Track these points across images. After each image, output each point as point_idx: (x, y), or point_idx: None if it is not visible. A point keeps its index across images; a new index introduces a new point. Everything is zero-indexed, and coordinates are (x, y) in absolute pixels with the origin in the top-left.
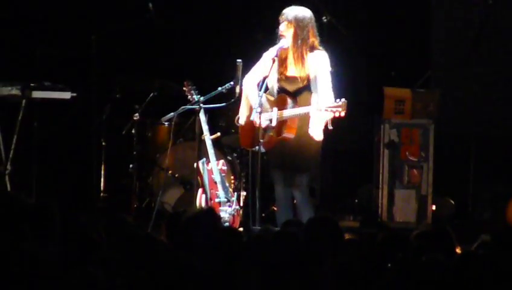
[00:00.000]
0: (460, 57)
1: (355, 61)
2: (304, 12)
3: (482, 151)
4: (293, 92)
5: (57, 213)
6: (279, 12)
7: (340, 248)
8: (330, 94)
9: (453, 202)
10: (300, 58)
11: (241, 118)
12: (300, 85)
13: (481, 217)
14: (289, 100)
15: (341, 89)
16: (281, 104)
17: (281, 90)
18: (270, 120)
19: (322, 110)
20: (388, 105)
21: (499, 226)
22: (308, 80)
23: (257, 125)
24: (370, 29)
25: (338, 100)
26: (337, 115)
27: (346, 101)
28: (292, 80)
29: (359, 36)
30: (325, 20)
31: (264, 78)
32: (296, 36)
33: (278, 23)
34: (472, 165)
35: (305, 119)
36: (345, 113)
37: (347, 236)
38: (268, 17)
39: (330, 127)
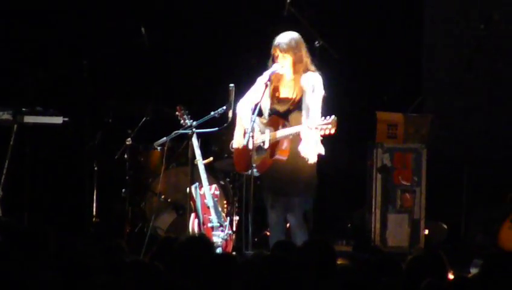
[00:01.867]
0: (452, 82)
1: (347, 86)
2: (294, 37)
3: (474, 176)
4: (284, 112)
5: (52, 238)
6: (271, 36)
7: (334, 273)
8: (318, 114)
9: (445, 226)
10: (296, 80)
11: (235, 143)
12: (292, 106)
13: (473, 241)
14: (281, 121)
15: (334, 112)
16: (273, 126)
17: (273, 112)
18: (263, 142)
19: (312, 128)
20: (381, 129)
21: (492, 250)
22: (300, 101)
23: (250, 149)
24: (362, 54)
25: (328, 117)
26: (327, 132)
27: (335, 117)
28: (284, 101)
29: (351, 61)
30: (317, 45)
31: (258, 102)
32: (294, 64)
33: (271, 54)
34: (464, 189)
35: (297, 141)
36: (335, 130)
37: (340, 261)
38: (261, 42)
39: (322, 153)
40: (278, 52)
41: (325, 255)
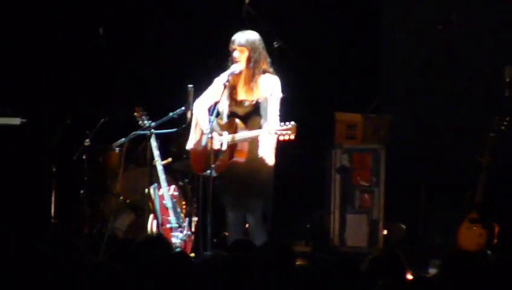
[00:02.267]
0: (411, 82)
1: (306, 87)
2: (253, 35)
3: (433, 176)
4: (243, 115)
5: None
6: (230, 37)
7: (292, 273)
8: (277, 118)
9: (404, 226)
10: (253, 82)
11: (191, 143)
12: (251, 109)
13: (432, 242)
14: (239, 124)
15: (292, 114)
16: (231, 128)
17: (232, 115)
18: (221, 144)
19: (272, 133)
20: (339, 130)
21: (450, 250)
22: (258, 103)
23: (208, 150)
24: (321, 55)
25: (288, 123)
26: (286, 138)
27: (295, 124)
28: (242, 103)
29: (310, 61)
30: (276, 45)
31: (215, 104)
32: (249, 59)
33: (229, 51)
34: (423, 190)
35: (256, 143)
36: (295, 136)
37: (299, 261)
38: (219, 43)
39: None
40: (235, 46)
41: (283, 256)
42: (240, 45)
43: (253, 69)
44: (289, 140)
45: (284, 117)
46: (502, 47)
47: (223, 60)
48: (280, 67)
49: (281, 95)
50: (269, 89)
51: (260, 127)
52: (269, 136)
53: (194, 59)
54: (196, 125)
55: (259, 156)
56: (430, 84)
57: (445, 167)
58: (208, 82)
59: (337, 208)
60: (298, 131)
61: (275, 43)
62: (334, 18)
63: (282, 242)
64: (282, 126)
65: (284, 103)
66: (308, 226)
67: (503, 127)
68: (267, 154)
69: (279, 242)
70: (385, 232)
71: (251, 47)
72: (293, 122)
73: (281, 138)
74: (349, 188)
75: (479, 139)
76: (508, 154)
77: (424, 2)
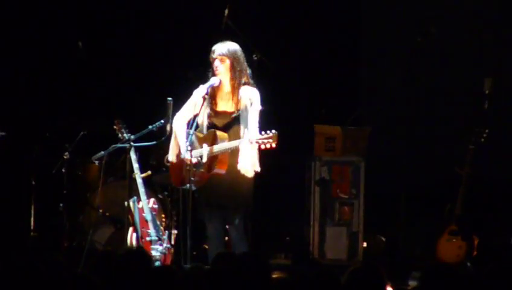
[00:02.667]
0: (391, 94)
1: (285, 99)
2: (234, 45)
3: (412, 189)
4: (222, 126)
5: None
6: (209, 49)
7: (267, 286)
8: (257, 129)
9: (383, 239)
10: (234, 92)
11: (171, 156)
12: (230, 120)
13: (412, 254)
14: (220, 135)
15: (272, 125)
16: (211, 140)
17: (211, 126)
18: (201, 156)
19: (253, 142)
20: (318, 142)
21: (430, 262)
22: (238, 114)
23: (187, 163)
24: (300, 67)
25: (268, 131)
26: (268, 146)
27: (276, 132)
28: (222, 115)
29: (289, 74)
30: (255, 58)
31: (195, 116)
32: (232, 68)
33: (209, 62)
34: (402, 202)
35: (236, 154)
36: (276, 144)
37: (277, 274)
38: (198, 55)
39: (258, 169)
40: (215, 56)
41: (259, 268)
42: (221, 55)
43: (234, 79)
44: (271, 148)
45: (264, 129)
46: (482, 59)
47: (202, 72)
48: (259, 79)
49: (260, 107)
50: (248, 100)
51: (240, 138)
52: (250, 147)
53: (173, 72)
54: (174, 139)
55: (239, 168)
56: (409, 96)
57: (425, 179)
58: (187, 95)
59: (317, 220)
60: (279, 141)
61: (254, 55)
62: (313, 30)
63: (258, 254)
64: (263, 135)
65: (264, 116)
66: (287, 238)
67: (482, 139)
68: (247, 166)
69: (255, 254)
70: (365, 244)
71: (232, 57)
72: (274, 131)
73: (262, 146)
74: (329, 201)
75: (459, 151)
76: (487, 166)
77: (404, 14)
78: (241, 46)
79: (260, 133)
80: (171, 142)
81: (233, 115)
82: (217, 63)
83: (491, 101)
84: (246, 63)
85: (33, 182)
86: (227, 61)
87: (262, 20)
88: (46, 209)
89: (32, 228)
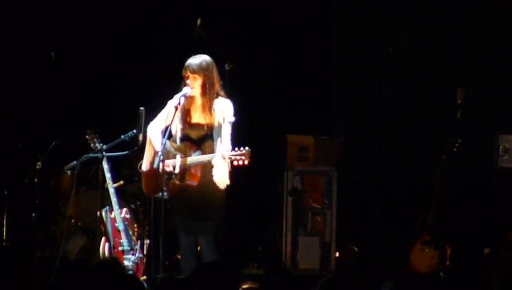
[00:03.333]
0: (363, 104)
1: (257, 109)
2: (205, 59)
3: (385, 199)
4: (196, 139)
5: None
6: (181, 59)
7: None
8: (229, 142)
9: (356, 249)
10: (208, 106)
11: (144, 165)
12: (204, 132)
13: (384, 264)
14: (193, 147)
15: (244, 136)
16: (184, 151)
17: (185, 138)
18: (174, 167)
19: (226, 158)
20: (291, 152)
21: (402, 272)
22: (212, 127)
23: (160, 172)
24: (272, 76)
25: (242, 148)
26: (240, 163)
27: (250, 149)
28: (196, 127)
29: (262, 83)
30: (227, 68)
31: (168, 126)
32: (204, 86)
33: (182, 77)
34: (375, 212)
35: (208, 167)
36: (249, 161)
37: (250, 284)
38: (170, 64)
39: (228, 182)
40: (188, 73)
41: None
42: (193, 72)
43: (207, 95)
44: (243, 165)
45: (237, 140)
46: (454, 68)
47: (175, 82)
48: (231, 89)
49: (233, 119)
50: (222, 112)
51: (213, 151)
52: (223, 161)
53: (145, 81)
54: (149, 146)
55: (212, 179)
56: (381, 106)
57: (397, 189)
58: (159, 105)
59: (289, 230)
60: (252, 156)
61: (226, 65)
62: (285, 40)
63: (228, 262)
64: (236, 151)
65: (236, 126)
66: (260, 248)
67: (455, 149)
68: (222, 179)
69: (224, 262)
70: (337, 254)
71: (204, 73)
72: (247, 148)
73: (235, 163)
74: (302, 210)
75: (431, 161)
76: (459, 176)
77: (376, 23)
78: (213, 55)
79: (233, 148)
80: (146, 150)
81: (207, 128)
82: (189, 80)
83: (463, 111)
84: (218, 75)
85: (5, 192)
86: (199, 79)
87: (234, 30)
88: (19, 220)
89: (4, 238)
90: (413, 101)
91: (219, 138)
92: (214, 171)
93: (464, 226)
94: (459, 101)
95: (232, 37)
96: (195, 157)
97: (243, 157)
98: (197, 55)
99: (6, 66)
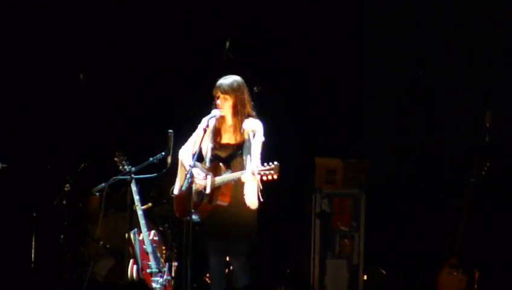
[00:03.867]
0: (391, 127)
1: (286, 132)
2: (236, 80)
3: (412, 220)
4: (225, 158)
5: None
6: (211, 81)
7: None
8: (259, 160)
9: (384, 271)
10: (239, 127)
11: (176, 188)
12: (233, 151)
13: (412, 287)
14: (223, 167)
15: (273, 158)
16: (214, 172)
17: (215, 158)
18: (204, 188)
19: (255, 173)
20: (319, 175)
21: None
22: (242, 146)
23: (189, 194)
24: (301, 100)
25: (271, 163)
26: (270, 177)
27: (278, 164)
28: (226, 147)
29: (291, 106)
30: (256, 91)
31: (197, 148)
32: (235, 106)
33: (213, 97)
34: (403, 235)
35: (239, 187)
36: (278, 176)
37: None
38: (199, 87)
39: (261, 200)
40: (219, 94)
41: None
42: (224, 92)
43: (238, 116)
44: (272, 180)
45: (266, 161)
46: (483, 92)
47: (205, 105)
48: (260, 111)
49: (263, 138)
50: (252, 132)
51: (243, 169)
52: (252, 179)
53: (174, 104)
54: (181, 170)
55: (243, 200)
56: (409, 129)
57: (426, 212)
58: (188, 127)
59: (317, 253)
60: (280, 173)
61: (255, 88)
62: (314, 63)
63: (259, 287)
64: (265, 166)
65: (265, 148)
66: (288, 271)
67: (483, 173)
68: (251, 196)
69: (256, 287)
70: (365, 277)
71: (235, 94)
72: (276, 162)
73: (264, 178)
74: (329, 233)
75: (459, 184)
76: (488, 199)
77: (404, 45)
78: (242, 77)
79: (262, 164)
80: (178, 174)
81: (236, 147)
82: (220, 101)
83: (492, 134)
84: (249, 96)
85: (34, 214)
86: (230, 100)
87: (262, 52)
88: (47, 241)
89: (33, 260)
90: (441, 124)
91: (248, 156)
92: (245, 191)
93: (493, 249)
94: (488, 124)
95: (260, 59)
96: (224, 176)
97: (272, 172)
98: (228, 76)
99: (36, 88)
